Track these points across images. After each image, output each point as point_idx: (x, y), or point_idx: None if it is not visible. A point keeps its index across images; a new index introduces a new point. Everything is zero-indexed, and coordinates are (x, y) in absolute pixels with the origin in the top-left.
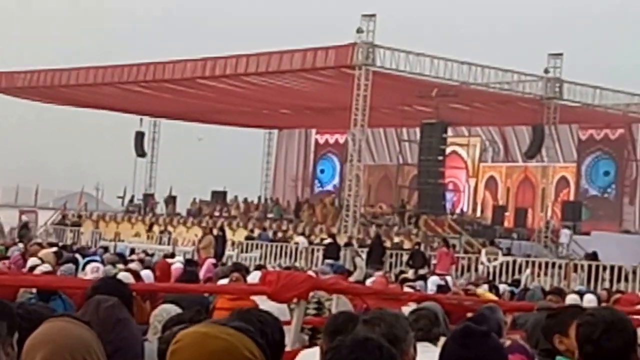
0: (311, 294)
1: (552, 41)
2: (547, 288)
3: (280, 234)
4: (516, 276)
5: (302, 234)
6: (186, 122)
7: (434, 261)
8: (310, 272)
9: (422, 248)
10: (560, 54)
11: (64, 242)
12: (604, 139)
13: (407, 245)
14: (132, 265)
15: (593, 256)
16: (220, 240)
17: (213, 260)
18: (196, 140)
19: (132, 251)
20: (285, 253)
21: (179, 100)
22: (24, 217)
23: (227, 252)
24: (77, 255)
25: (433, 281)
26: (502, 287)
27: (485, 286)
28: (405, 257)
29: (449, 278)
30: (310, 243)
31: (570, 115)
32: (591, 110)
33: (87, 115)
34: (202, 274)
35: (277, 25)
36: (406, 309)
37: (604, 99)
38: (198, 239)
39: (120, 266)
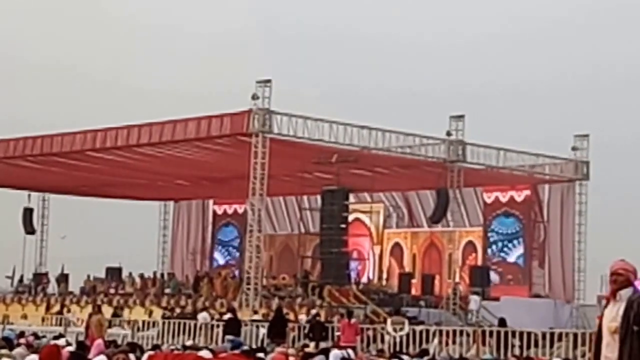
0: None
1: (453, 104)
2: (456, 357)
3: (178, 310)
4: (424, 345)
5: (204, 309)
6: (77, 196)
7: (338, 333)
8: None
9: (321, 319)
10: (462, 116)
11: None
12: (509, 201)
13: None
14: (18, 350)
15: (502, 322)
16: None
17: (101, 341)
18: (89, 216)
19: (22, 334)
20: (184, 330)
21: (69, 174)
22: None
23: (122, 332)
24: None
25: (335, 355)
26: (407, 359)
27: None
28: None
29: (350, 350)
30: (212, 318)
31: (475, 178)
32: (496, 172)
33: None
34: (92, 354)
35: (170, 94)
36: None
37: (508, 161)
38: (86, 320)
39: (5, 351)
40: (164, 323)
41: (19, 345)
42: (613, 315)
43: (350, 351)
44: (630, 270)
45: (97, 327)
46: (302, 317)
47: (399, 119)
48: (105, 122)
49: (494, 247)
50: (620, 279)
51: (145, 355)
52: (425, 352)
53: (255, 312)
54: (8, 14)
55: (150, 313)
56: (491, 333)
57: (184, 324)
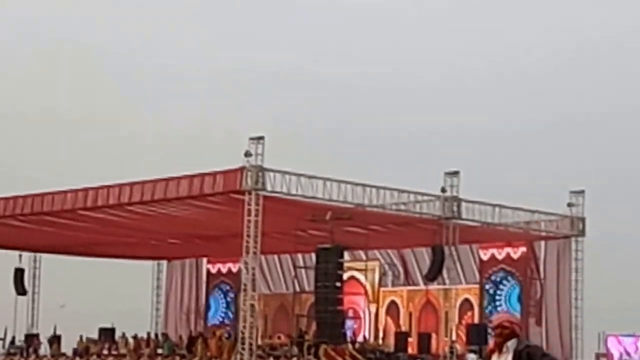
0: None
1: (448, 160)
2: None
3: None
4: None
5: None
6: (69, 256)
7: None
8: None
9: None
10: (457, 172)
11: None
12: (505, 259)
13: None
14: None
15: None
16: None
17: None
18: (82, 276)
19: None
20: None
21: (61, 233)
22: None
23: None
24: None
25: None
26: None
27: None
28: None
29: None
30: None
31: (470, 235)
32: (491, 229)
33: None
34: None
35: (162, 150)
36: None
37: (503, 217)
38: None
39: None
40: None
41: None
42: None
43: None
44: (515, 323)
45: None
46: None
47: (393, 175)
48: (96, 173)
49: (490, 304)
50: (505, 332)
51: None
52: None
53: None
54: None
55: None
56: None
57: None
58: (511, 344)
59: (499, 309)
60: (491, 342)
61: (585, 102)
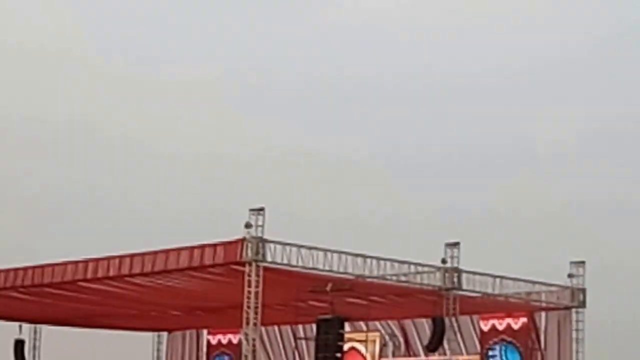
0: None
1: (448, 231)
2: None
3: None
4: None
5: None
6: (69, 327)
7: None
8: None
9: None
10: (457, 243)
11: None
12: (506, 329)
13: None
14: None
15: None
16: None
17: None
18: (82, 347)
19: None
20: None
21: (61, 304)
22: None
23: None
24: None
25: None
26: None
27: None
28: None
29: None
30: None
31: (471, 306)
32: (492, 299)
33: None
34: None
35: (163, 222)
36: None
37: (504, 288)
38: None
39: None
40: None
41: None
42: None
43: None
44: None
45: None
46: None
47: (393, 246)
48: (93, 247)
49: None
50: None
51: None
52: None
53: None
54: None
55: None
56: None
57: None
58: None
59: None
60: None
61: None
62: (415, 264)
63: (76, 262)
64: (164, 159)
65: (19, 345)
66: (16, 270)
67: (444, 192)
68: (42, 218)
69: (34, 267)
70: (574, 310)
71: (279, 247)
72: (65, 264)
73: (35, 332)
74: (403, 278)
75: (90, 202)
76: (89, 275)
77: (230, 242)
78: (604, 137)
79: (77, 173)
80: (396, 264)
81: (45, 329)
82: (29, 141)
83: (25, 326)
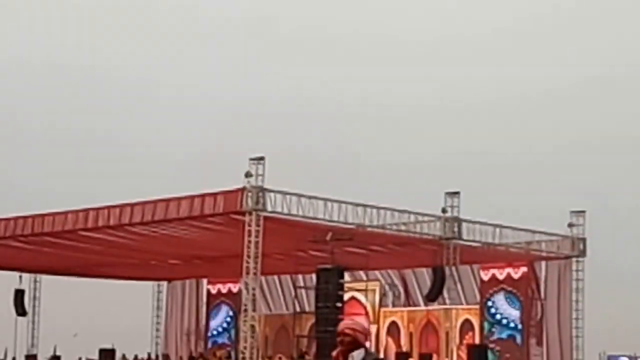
0: None
1: (448, 180)
2: None
3: None
4: None
5: None
6: (69, 277)
7: None
8: None
9: None
10: (457, 193)
11: None
12: (506, 279)
13: None
14: None
15: None
16: None
17: None
18: (82, 296)
19: None
20: None
21: (61, 254)
22: None
23: None
24: None
25: None
26: None
27: None
28: None
29: None
30: None
31: (471, 255)
32: (492, 249)
33: None
34: None
35: (163, 171)
36: None
37: (504, 238)
38: None
39: None
40: None
41: None
42: None
43: None
44: (359, 330)
45: None
46: None
47: (393, 196)
48: (93, 193)
49: (491, 325)
50: (347, 340)
51: None
52: None
53: None
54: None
55: None
56: None
57: None
58: (357, 354)
59: (499, 329)
60: (336, 351)
61: (586, 124)
62: (416, 214)
63: (76, 212)
64: (165, 106)
65: (18, 294)
66: (16, 219)
67: (443, 140)
68: (41, 166)
69: (34, 216)
70: (574, 259)
71: (279, 196)
72: (65, 213)
73: (35, 281)
74: (403, 227)
75: (91, 151)
76: (90, 225)
77: (230, 192)
78: (598, 82)
79: (79, 119)
80: (396, 214)
81: (45, 278)
82: (34, 84)
83: (25, 276)
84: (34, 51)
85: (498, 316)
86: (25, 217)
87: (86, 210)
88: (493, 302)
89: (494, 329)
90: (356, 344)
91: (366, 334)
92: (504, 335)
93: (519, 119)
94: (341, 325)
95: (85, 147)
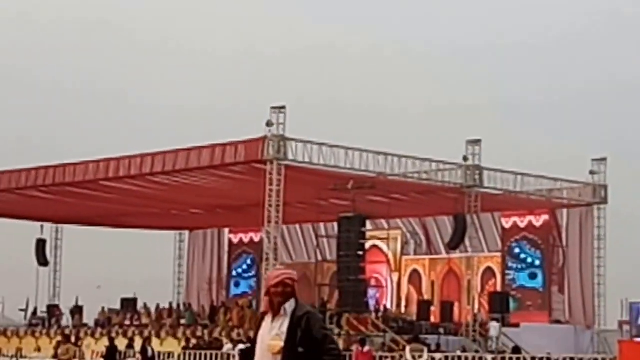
0: None
1: (470, 128)
2: None
3: (194, 341)
4: None
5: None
6: (91, 227)
7: None
8: None
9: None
10: (479, 141)
11: None
12: (528, 226)
13: None
14: None
15: (516, 350)
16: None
17: None
18: (104, 246)
19: None
20: None
21: (82, 204)
22: None
23: None
24: None
25: None
26: None
27: None
28: None
29: None
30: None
31: (492, 203)
32: (513, 197)
33: None
34: None
35: (184, 121)
36: None
37: (525, 186)
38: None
39: None
40: (183, 354)
41: None
42: (275, 332)
43: None
44: (296, 280)
45: (65, 355)
46: None
47: (415, 144)
48: (116, 143)
49: (512, 272)
50: (287, 291)
51: None
52: None
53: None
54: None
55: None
56: (511, 359)
57: (202, 354)
58: (289, 306)
59: (520, 277)
60: (265, 303)
61: (608, 71)
62: (437, 162)
63: (98, 161)
64: (187, 56)
65: (40, 244)
66: (37, 169)
67: (465, 88)
68: (65, 115)
69: (55, 166)
70: (595, 206)
71: (300, 145)
72: (86, 162)
73: (56, 231)
74: (424, 176)
75: (111, 101)
76: (111, 174)
77: (251, 141)
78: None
79: (104, 71)
80: (417, 162)
81: (67, 228)
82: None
83: (47, 226)
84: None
85: (519, 264)
86: (46, 167)
87: (107, 160)
88: (514, 250)
89: (515, 277)
90: (292, 295)
91: (297, 283)
92: (525, 283)
93: (541, 66)
94: (279, 275)
95: (109, 101)
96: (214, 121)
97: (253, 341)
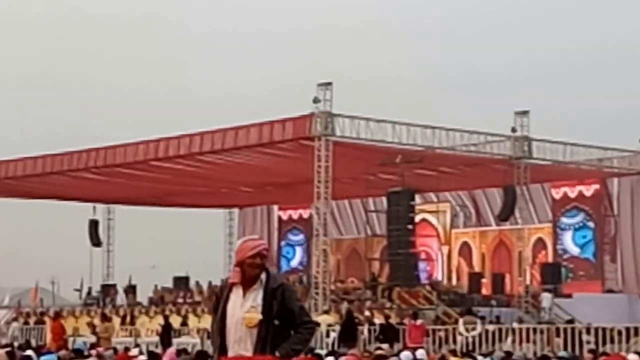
0: None
1: (517, 99)
2: (531, 355)
3: None
4: (497, 345)
5: None
6: (142, 207)
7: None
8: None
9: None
10: (527, 112)
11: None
12: (578, 197)
13: (381, 319)
14: None
15: (570, 322)
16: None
17: (174, 349)
18: (155, 226)
19: (92, 346)
20: None
21: (133, 184)
22: None
23: (192, 340)
24: (32, 354)
25: (406, 356)
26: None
27: None
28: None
29: (421, 351)
30: None
31: (542, 174)
32: (563, 167)
33: (36, 206)
34: None
35: (230, 101)
36: None
37: (575, 155)
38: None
39: None
40: None
41: (89, 356)
42: (250, 304)
43: (421, 352)
44: (269, 250)
45: (104, 334)
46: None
47: (462, 117)
48: (166, 132)
49: (564, 243)
50: (264, 262)
51: None
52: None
53: (326, 312)
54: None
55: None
56: (565, 330)
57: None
58: (264, 277)
59: (572, 247)
60: (235, 274)
61: None
62: (485, 134)
63: (147, 142)
64: (233, 37)
65: (93, 225)
66: (89, 151)
67: (511, 57)
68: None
69: (106, 148)
70: None
71: (347, 121)
72: (136, 143)
73: (109, 212)
74: (473, 148)
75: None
76: (160, 155)
77: (298, 118)
78: None
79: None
80: (465, 134)
81: (119, 208)
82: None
83: (99, 206)
84: None
85: (571, 234)
86: (97, 149)
87: (157, 141)
88: (565, 220)
89: (567, 247)
90: (265, 267)
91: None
92: (577, 253)
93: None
94: (256, 246)
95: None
96: (262, 102)
97: (222, 314)
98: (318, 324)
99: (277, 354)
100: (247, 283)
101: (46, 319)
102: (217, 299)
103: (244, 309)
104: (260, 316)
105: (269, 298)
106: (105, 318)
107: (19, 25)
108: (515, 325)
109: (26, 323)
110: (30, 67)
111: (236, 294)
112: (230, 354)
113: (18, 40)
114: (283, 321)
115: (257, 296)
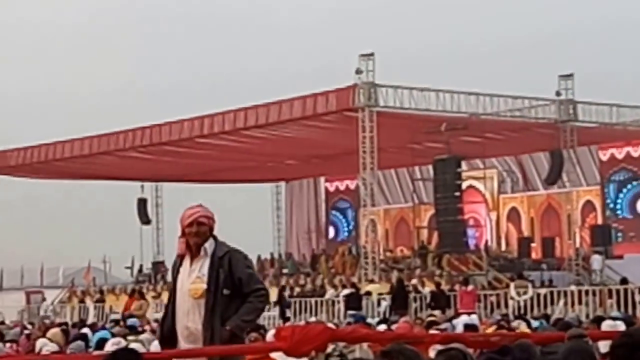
0: (332, 346)
1: (561, 62)
2: (583, 318)
3: (298, 289)
4: (548, 308)
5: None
6: (189, 183)
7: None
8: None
9: (443, 288)
10: (571, 75)
11: (77, 319)
12: (626, 157)
13: (431, 287)
14: (144, 336)
15: (624, 281)
16: None
17: None
18: (202, 202)
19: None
20: (306, 308)
21: (180, 162)
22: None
23: None
24: (87, 332)
25: (461, 321)
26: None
27: (517, 322)
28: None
29: (474, 316)
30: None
31: (588, 137)
32: (609, 129)
33: (85, 186)
34: None
35: (272, 75)
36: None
37: (621, 117)
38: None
39: (133, 337)
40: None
41: (143, 331)
42: (196, 275)
43: (474, 317)
44: (212, 218)
45: (138, 311)
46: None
47: (506, 82)
48: (209, 107)
49: (613, 204)
50: (202, 230)
51: (270, 333)
52: (547, 317)
53: (372, 281)
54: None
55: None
56: (617, 292)
57: (306, 302)
58: (209, 245)
59: (621, 208)
60: (180, 244)
61: None
62: (530, 98)
63: (192, 119)
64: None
65: (141, 203)
66: (134, 130)
67: (554, 20)
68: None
69: (151, 127)
70: None
71: (390, 90)
72: (181, 121)
73: (156, 190)
74: (518, 113)
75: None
76: (205, 131)
77: (342, 89)
78: None
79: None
80: (509, 100)
81: (166, 186)
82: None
83: (147, 185)
84: None
85: (620, 195)
86: (143, 128)
87: (201, 118)
88: (614, 181)
89: (616, 208)
90: (209, 234)
91: (214, 221)
92: (627, 214)
93: None
94: (192, 214)
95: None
96: (305, 75)
97: (173, 287)
98: (266, 290)
99: (227, 327)
100: (193, 253)
101: (106, 297)
102: (172, 273)
103: (190, 279)
104: (204, 286)
105: (215, 267)
106: (140, 295)
107: None
108: (571, 287)
109: (82, 302)
110: None
111: (184, 266)
112: (179, 327)
113: None
114: (233, 290)
115: (202, 266)
